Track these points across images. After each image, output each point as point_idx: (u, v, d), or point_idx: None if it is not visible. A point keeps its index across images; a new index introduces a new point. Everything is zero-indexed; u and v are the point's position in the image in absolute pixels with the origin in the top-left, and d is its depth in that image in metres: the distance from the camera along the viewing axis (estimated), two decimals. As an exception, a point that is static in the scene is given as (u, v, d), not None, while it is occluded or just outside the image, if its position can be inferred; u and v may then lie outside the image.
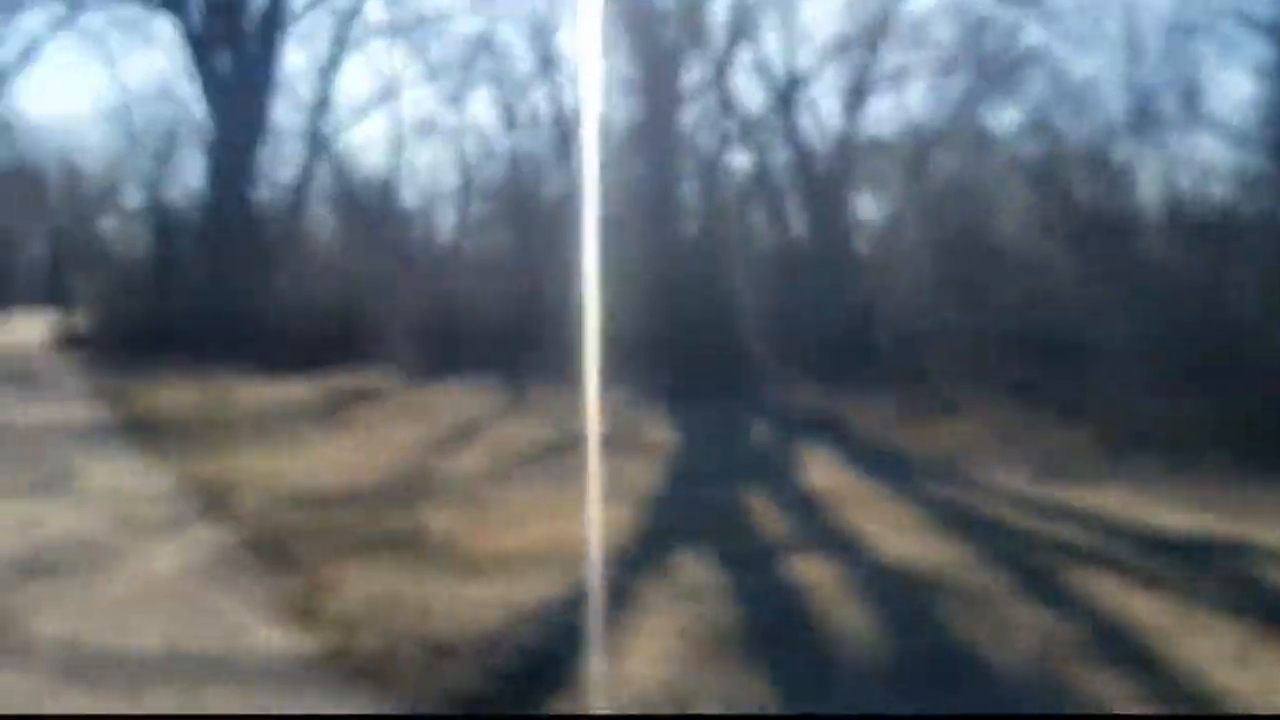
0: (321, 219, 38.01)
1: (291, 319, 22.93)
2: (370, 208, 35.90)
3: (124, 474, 8.11)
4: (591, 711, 3.80)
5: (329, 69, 29.26)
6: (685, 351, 15.79)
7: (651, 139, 18.57)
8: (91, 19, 29.37)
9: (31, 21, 44.51)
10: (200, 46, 27.40)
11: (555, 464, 8.78)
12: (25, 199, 48.90)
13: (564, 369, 15.33)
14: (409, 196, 37.94)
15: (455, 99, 34.51)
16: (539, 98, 31.82)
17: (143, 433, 10.78)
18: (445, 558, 5.79)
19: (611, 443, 10.58)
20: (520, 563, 5.71)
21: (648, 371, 15.21)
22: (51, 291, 62.55)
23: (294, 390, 15.47)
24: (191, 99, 32.03)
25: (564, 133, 24.60)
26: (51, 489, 7.45)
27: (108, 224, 39.44)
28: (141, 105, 33.47)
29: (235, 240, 25.10)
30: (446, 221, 40.91)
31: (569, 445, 9.95)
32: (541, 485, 7.88)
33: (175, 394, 14.86)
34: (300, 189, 30.56)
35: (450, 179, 39.75)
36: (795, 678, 4.18)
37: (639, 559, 6.03)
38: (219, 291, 24.57)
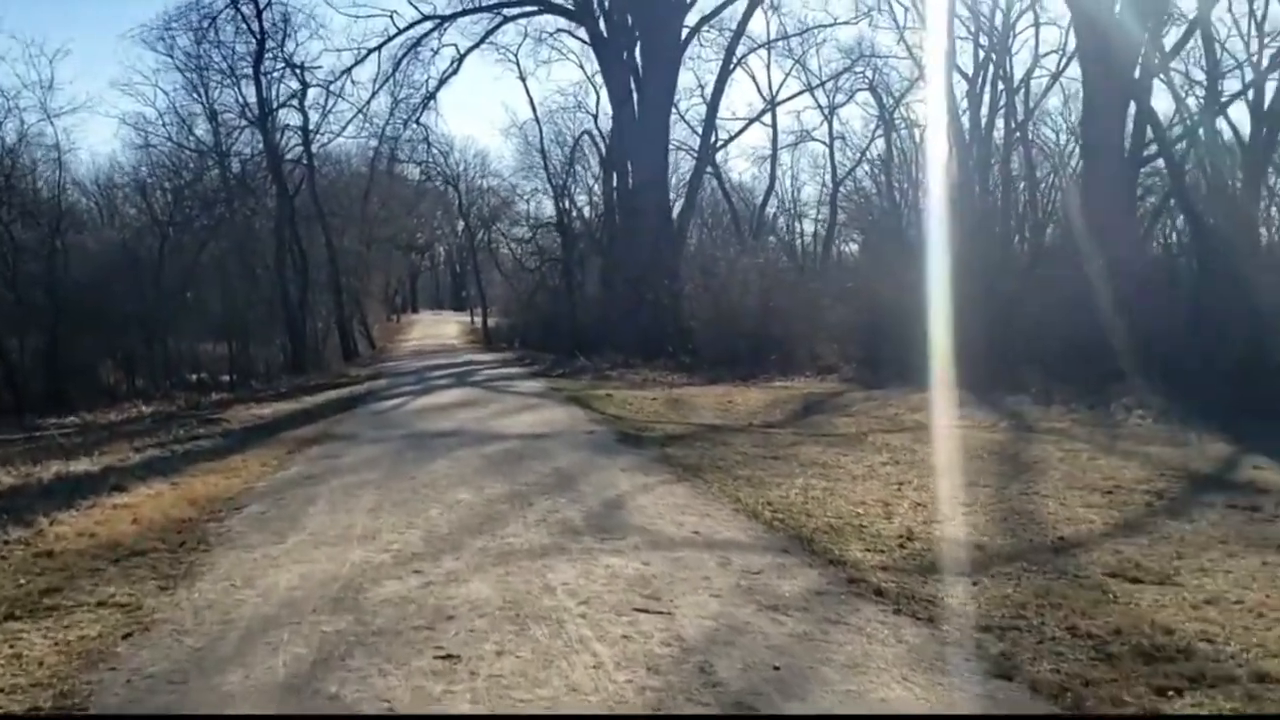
0: (698, 226, 36.89)
1: (699, 324, 21.41)
2: (745, 217, 34.33)
3: (678, 510, 6.08)
4: None
5: (719, 83, 27.80)
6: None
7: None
8: (504, 33, 29.61)
9: (454, 37, 46.92)
10: (606, 57, 26.69)
11: (1202, 518, 5.84)
12: (435, 209, 51.71)
13: (1001, 377, 12.53)
14: (774, 204, 36.02)
15: (830, 108, 32.15)
16: (915, 104, 28.62)
17: (640, 445, 8.96)
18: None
19: (1216, 485, 7.46)
20: None
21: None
22: (455, 294, 66.61)
23: (749, 395, 13.43)
24: (594, 112, 31.96)
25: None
26: (613, 530, 5.52)
27: (513, 231, 40.05)
28: (547, 118, 33.68)
29: (646, 245, 24.01)
30: (807, 229, 38.63)
31: (1175, 488, 6.94)
32: (1217, 552, 5.01)
33: (632, 397, 13.29)
34: (689, 199, 29.32)
35: (815, 188, 37.35)
36: None
37: None
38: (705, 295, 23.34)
